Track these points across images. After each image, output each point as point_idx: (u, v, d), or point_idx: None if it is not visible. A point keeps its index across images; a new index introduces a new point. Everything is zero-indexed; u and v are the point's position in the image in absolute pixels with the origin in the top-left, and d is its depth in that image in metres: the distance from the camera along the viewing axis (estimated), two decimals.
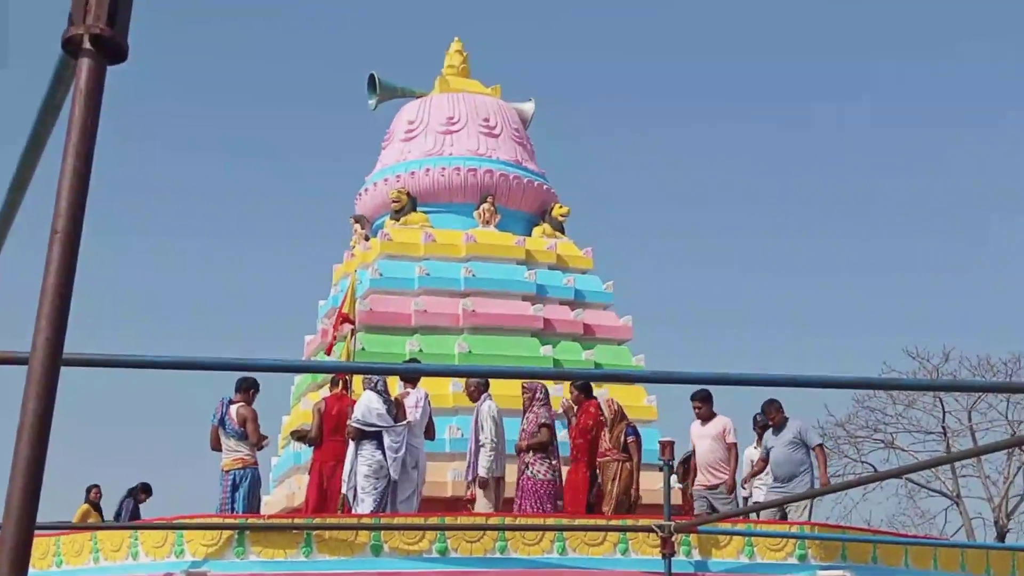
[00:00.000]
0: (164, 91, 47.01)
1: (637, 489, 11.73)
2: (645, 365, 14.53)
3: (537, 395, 11.87)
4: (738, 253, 47.95)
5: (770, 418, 11.86)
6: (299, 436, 12.37)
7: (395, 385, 11.97)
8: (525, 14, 50.17)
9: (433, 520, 10.09)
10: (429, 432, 11.77)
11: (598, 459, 11.79)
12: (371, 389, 11.37)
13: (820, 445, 11.92)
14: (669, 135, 50.08)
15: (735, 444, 11.75)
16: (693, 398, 11.96)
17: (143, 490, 15.74)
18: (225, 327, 43.58)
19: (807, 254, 47.38)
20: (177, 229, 46.78)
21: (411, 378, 11.69)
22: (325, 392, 12.70)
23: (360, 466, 11.19)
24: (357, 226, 15.82)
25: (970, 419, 29.09)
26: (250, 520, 10.19)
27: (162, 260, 46.20)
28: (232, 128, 49.79)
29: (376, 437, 11.27)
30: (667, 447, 10.12)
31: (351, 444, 11.34)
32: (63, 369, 1.83)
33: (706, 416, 11.93)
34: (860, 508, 41.91)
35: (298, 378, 14.99)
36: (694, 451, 12.16)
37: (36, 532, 1.84)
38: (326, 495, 11.56)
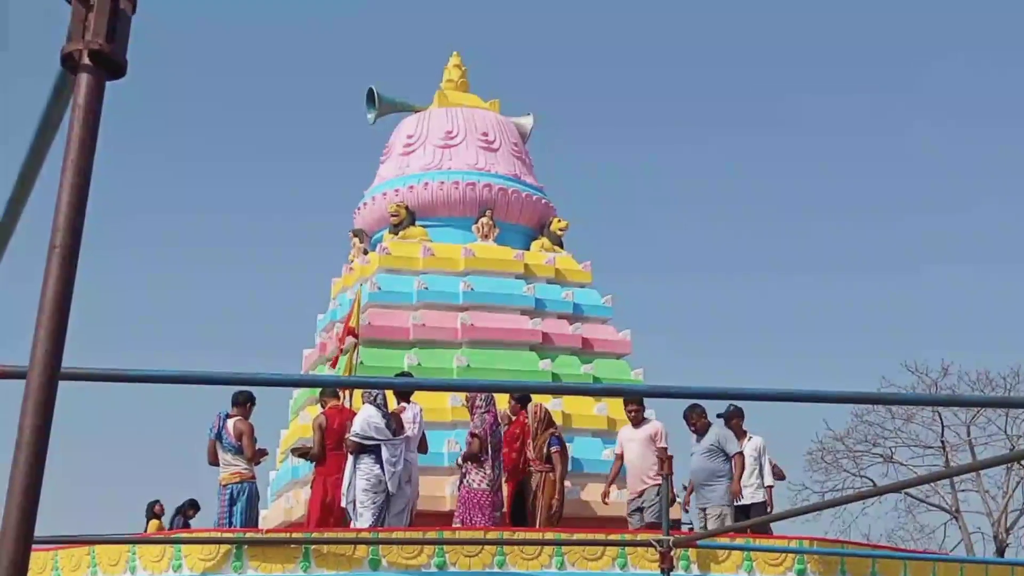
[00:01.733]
0: (163, 104, 47.10)
1: (560, 500, 11.68)
2: (644, 379, 14.52)
3: (476, 403, 11.88)
4: (737, 267, 48.01)
5: (692, 423, 11.92)
6: (300, 452, 12.34)
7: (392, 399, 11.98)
8: (524, 29, 50.31)
9: (431, 535, 10.08)
10: (422, 446, 11.82)
11: (527, 469, 11.83)
12: (370, 403, 11.39)
13: (739, 453, 11.75)
14: (667, 149, 50.18)
15: (665, 449, 11.59)
16: (626, 402, 12.05)
17: (191, 506, 15.84)
18: (224, 340, 43.51)
19: (806, 267, 47.41)
20: (175, 242, 46.82)
21: (406, 393, 11.71)
22: (317, 403, 12.68)
23: (359, 480, 11.19)
24: (356, 240, 15.83)
25: (969, 433, 29.07)
26: (248, 534, 10.19)
27: (160, 274, 46.23)
28: (231, 141, 49.88)
29: (374, 451, 11.27)
30: (666, 461, 10.13)
31: (350, 458, 11.34)
32: (61, 383, 1.83)
33: (637, 421, 12.03)
34: (859, 522, 41.88)
35: (296, 392, 14.98)
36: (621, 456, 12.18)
37: (35, 546, 1.84)
38: (330, 510, 11.52)
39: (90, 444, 41.46)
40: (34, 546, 1.84)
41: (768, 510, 12.09)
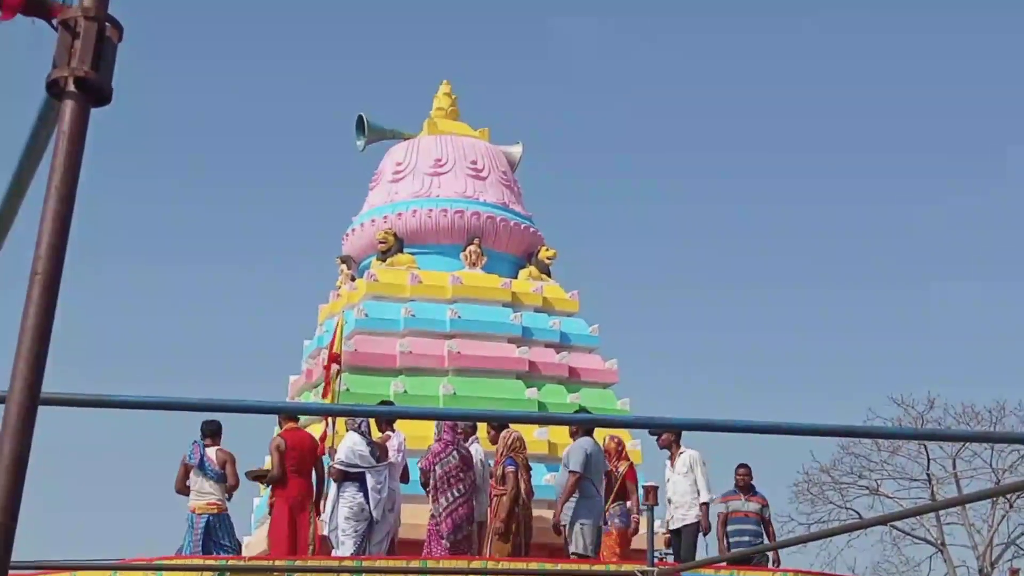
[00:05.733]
0: (150, 128, 47.11)
1: (508, 519, 11.42)
2: (631, 409, 14.52)
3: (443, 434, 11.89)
4: (724, 299, 48.07)
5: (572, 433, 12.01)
6: (256, 476, 12.34)
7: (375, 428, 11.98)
8: (513, 58, 50.48)
9: (415, 563, 10.05)
10: (404, 476, 11.82)
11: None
12: (354, 430, 11.38)
13: (572, 471, 11.54)
14: (656, 180, 50.31)
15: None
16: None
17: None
18: (208, 366, 43.44)
19: (795, 299, 47.53)
20: (160, 267, 46.73)
21: (390, 420, 11.68)
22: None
23: (342, 508, 11.17)
24: (343, 266, 15.84)
25: (955, 466, 29.10)
26: (231, 561, 10.13)
27: (144, 299, 46.12)
28: (219, 167, 49.88)
29: (358, 479, 11.25)
30: (651, 492, 10.10)
31: (333, 485, 11.30)
32: (41, 407, 1.82)
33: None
34: (845, 555, 41.62)
35: (280, 418, 14.91)
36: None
37: (15, 572, 1.83)
38: (296, 535, 11.43)
39: (72, 469, 41.24)
40: (14, 571, 1.83)
41: (701, 531, 12.02)
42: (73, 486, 40.65)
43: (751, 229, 48.86)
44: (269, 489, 12.38)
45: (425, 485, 11.58)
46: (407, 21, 48.23)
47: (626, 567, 9.82)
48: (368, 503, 11.17)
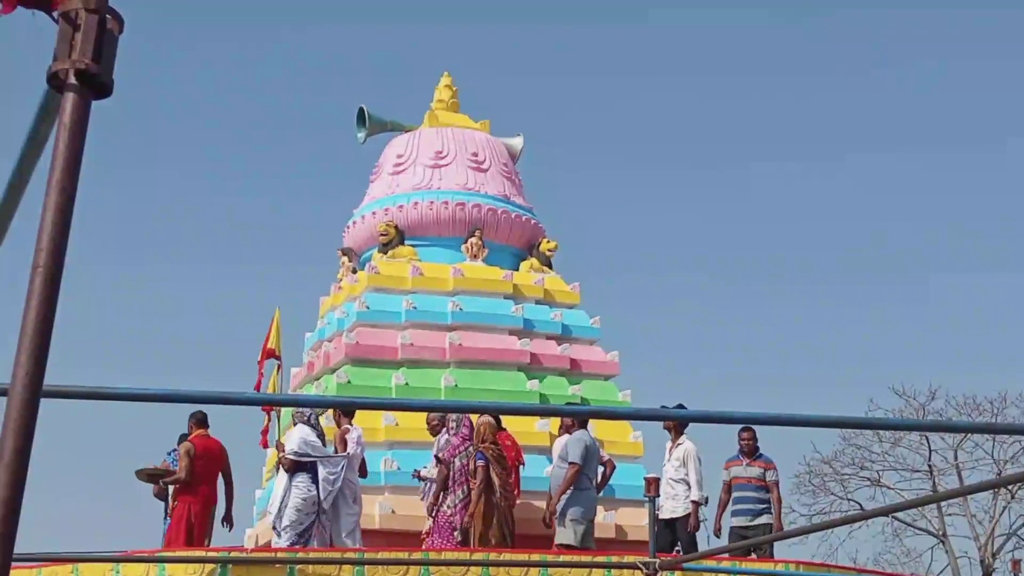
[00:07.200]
0: (150, 120, 47.07)
1: (473, 515, 11.45)
2: (632, 401, 14.52)
3: (449, 425, 11.98)
4: (725, 289, 48.05)
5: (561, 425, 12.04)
6: (151, 475, 12.62)
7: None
8: (515, 49, 50.44)
9: (417, 555, 10.06)
10: (362, 470, 11.94)
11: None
12: (303, 422, 11.58)
13: (572, 463, 11.56)
14: (656, 173, 50.25)
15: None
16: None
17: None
18: (209, 358, 43.42)
19: (796, 289, 47.54)
20: (161, 260, 46.74)
21: (349, 413, 11.92)
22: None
23: (292, 499, 11.31)
24: (345, 259, 15.83)
25: (956, 457, 29.12)
26: (232, 553, 10.16)
27: (143, 292, 46.09)
28: (219, 159, 49.83)
29: (311, 470, 11.37)
30: (652, 483, 10.11)
31: (284, 476, 11.44)
32: (43, 400, 1.82)
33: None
34: (846, 546, 41.74)
35: (284, 410, 14.94)
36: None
37: (17, 564, 1.84)
38: (192, 537, 11.70)
39: (74, 460, 41.29)
40: (16, 564, 1.83)
41: (688, 528, 12.01)
42: (75, 478, 40.74)
43: (753, 221, 48.87)
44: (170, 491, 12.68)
45: (446, 479, 11.61)
46: (408, 13, 48.18)
47: (628, 558, 9.82)
48: (321, 494, 11.30)
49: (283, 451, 11.56)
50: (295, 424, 11.70)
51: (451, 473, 11.61)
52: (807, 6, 48.19)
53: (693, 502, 12.08)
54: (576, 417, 11.58)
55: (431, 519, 11.64)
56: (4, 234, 2.47)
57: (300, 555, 10.07)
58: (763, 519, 12.00)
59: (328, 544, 11.18)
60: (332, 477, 11.32)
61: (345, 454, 11.52)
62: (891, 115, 47.99)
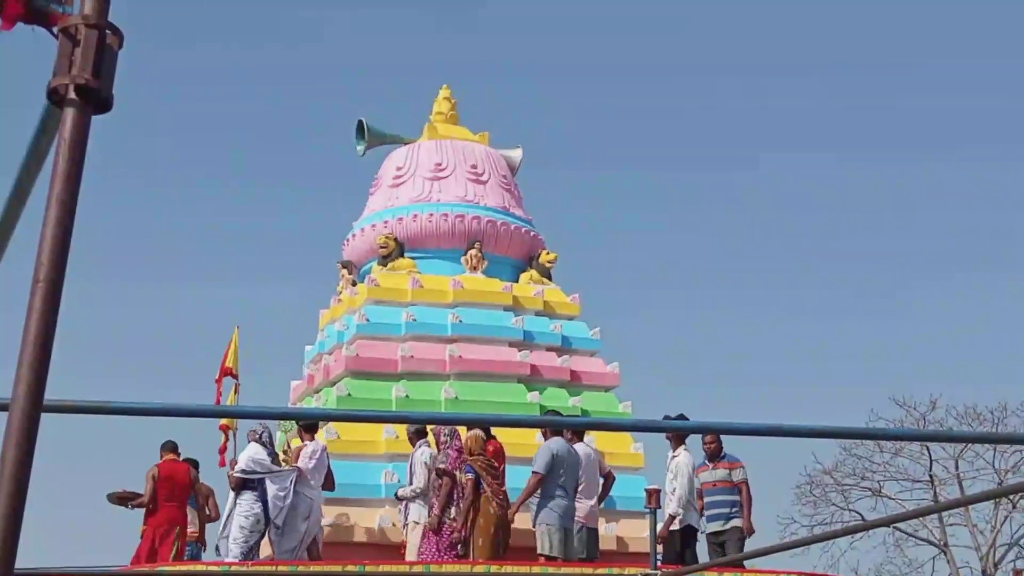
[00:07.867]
0: (149, 132, 47.11)
1: (463, 527, 11.49)
2: (632, 412, 14.51)
3: (440, 438, 11.95)
4: (726, 302, 48.06)
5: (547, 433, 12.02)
6: (120, 498, 12.68)
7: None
8: (513, 62, 50.51)
9: (418, 568, 10.04)
10: (328, 482, 11.92)
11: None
12: (255, 441, 11.73)
13: (534, 472, 11.60)
14: (656, 182, 50.29)
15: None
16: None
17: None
18: (209, 372, 43.38)
19: (794, 301, 47.51)
20: (161, 272, 46.75)
21: (311, 428, 12.01)
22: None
23: (237, 517, 11.42)
24: (344, 271, 15.83)
25: (957, 468, 29.12)
26: (232, 567, 10.14)
27: (142, 306, 46.08)
28: (219, 171, 49.90)
29: (258, 488, 11.43)
30: (653, 495, 10.10)
31: (231, 495, 11.53)
32: (44, 415, 1.83)
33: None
34: (848, 557, 41.65)
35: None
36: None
37: None
38: (155, 560, 11.73)
39: (74, 474, 41.24)
40: None
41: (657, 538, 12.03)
42: (76, 492, 40.67)
43: (753, 231, 48.89)
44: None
45: (451, 489, 11.62)
46: (407, 26, 48.27)
47: (629, 570, 9.82)
48: (266, 512, 11.33)
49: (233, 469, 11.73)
50: (248, 442, 11.81)
51: (456, 485, 11.62)
52: (807, 6, 48.28)
53: (669, 515, 12.09)
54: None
55: (432, 533, 11.57)
56: (4, 248, 2.48)
57: (300, 568, 10.06)
58: (735, 522, 12.00)
59: (254, 559, 11.30)
60: (282, 493, 11.42)
61: (293, 468, 11.59)
62: (894, 124, 48.05)
